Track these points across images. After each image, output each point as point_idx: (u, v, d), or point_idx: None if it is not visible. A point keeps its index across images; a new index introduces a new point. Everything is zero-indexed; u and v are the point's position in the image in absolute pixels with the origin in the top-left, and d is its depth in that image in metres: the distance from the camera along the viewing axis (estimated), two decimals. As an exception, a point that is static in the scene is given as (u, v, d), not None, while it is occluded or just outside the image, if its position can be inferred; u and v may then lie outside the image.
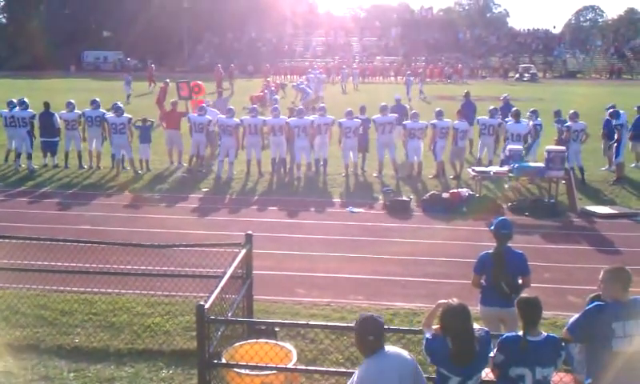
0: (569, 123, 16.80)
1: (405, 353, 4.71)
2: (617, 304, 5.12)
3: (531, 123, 17.03)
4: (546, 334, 4.99)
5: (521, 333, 4.96)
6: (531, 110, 18.01)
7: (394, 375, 4.44)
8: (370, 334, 4.50)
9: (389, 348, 4.64)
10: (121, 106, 18.22)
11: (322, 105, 19.67)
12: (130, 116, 17.93)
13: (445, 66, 68.09)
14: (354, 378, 4.58)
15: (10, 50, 76.42)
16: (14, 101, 18.72)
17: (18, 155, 18.08)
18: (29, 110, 18.24)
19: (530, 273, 6.65)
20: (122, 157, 17.69)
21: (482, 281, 6.70)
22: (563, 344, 5.06)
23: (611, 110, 18.27)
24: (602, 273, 5.31)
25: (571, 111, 17.23)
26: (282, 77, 57.36)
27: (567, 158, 16.03)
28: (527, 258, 6.70)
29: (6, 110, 18.48)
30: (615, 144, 17.12)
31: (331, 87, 48.57)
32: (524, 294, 5.26)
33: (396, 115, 17.84)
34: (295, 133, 17.08)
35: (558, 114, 18.04)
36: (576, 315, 5.27)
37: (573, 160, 16.53)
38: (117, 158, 17.56)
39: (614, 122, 17.62)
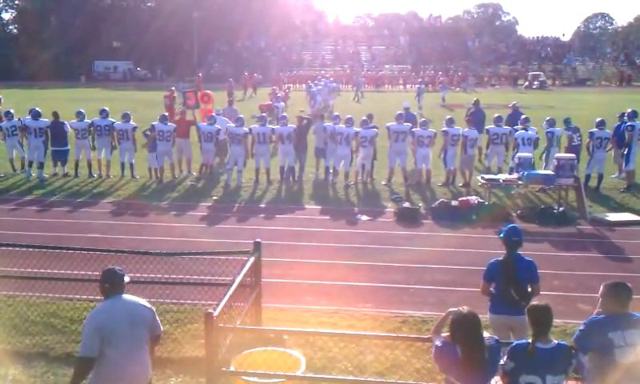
0: (593, 130, 16.76)
1: (143, 301, 5.48)
2: (613, 316, 5.09)
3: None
4: (556, 341, 4.96)
5: (530, 340, 4.93)
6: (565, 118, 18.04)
7: (124, 315, 5.21)
8: (106, 282, 5.32)
9: (128, 296, 5.40)
10: (166, 114, 18.56)
11: (335, 114, 19.66)
12: (174, 124, 18.20)
13: (454, 74, 68.20)
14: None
15: (21, 60, 76.93)
16: (11, 111, 18.95)
17: (30, 163, 18.19)
18: (43, 120, 18.39)
19: (540, 280, 6.62)
20: (132, 165, 18.01)
21: (492, 288, 6.67)
22: (573, 352, 5.03)
23: (629, 111, 18.01)
24: (601, 287, 5.29)
25: (598, 119, 17.17)
26: (287, 86, 57.61)
27: (587, 164, 16.12)
28: (537, 266, 6.67)
29: (4, 121, 18.77)
30: (625, 151, 17.01)
31: (343, 95, 48.54)
32: (535, 302, 5.22)
33: (410, 124, 17.84)
34: (338, 140, 17.09)
35: (567, 121, 17.96)
36: (580, 326, 5.26)
37: (594, 167, 16.53)
38: (155, 166, 17.92)
39: (627, 123, 17.30)
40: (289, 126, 17.62)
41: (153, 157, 17.90)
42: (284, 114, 18.73)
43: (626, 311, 5.11)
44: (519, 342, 5.12)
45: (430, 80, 60.13)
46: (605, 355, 5.01)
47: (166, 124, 17.81)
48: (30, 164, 18.21)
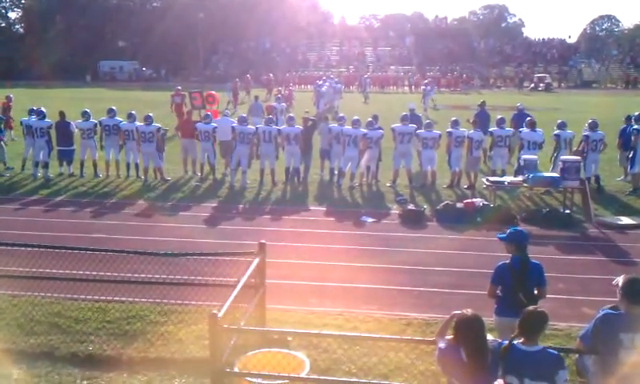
0: (587, 133, 16.71)
1: None
2: (628, 315, 5.08)
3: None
4: (542, 346, 4.89)
5: (516, 341, 4.88)
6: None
7: None
8: None
9: None
10: (150, 115, 18.23)
11: (340, 115, 19.65)
12: (158, 125, 18.09)
13: (459, 76, 68.17)
14: None
15: (27, 60, 77.15)
16: (35, 109, 18.98)
17: (36, 164, 18.24)
18: (47, 120, 18.41)
19: (546, 284, 6.59)
20: (137, 165, 18.01)
21: (498, 291, 6.65)
22: (574, 358, 4.97)
23: (636, 114, 17.90)
24: (622, 278, 5.27)
25: (590, 120, 17.11)
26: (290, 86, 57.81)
27: (584, 167, 15.99)
28: (544, 269, 6.65)
29: (26, 118, 18.77)
30: (631, 154, 16.93)
31: (346, 96, 48.50)
32: (531, 307, 5.14)
33: (415, 126, 17.82)
34: (346, 142, 17.04)
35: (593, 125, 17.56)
36: (588, 324, 5.24)
37: (590, 170, 16.45)
38: (143, 166, 17.89)
39: (634, 126, 17.19)
40: (295, 127, 17.60)
41: (159, 156, 17.92)
42: (291, 115, 18.71)
43: (639, 310, 5.08)
44: (503, 341, 5.05)
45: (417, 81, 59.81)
46: (609, 355, 5.00)
47: (150, 124, 17.69)
48: (36, 164, 18.24)
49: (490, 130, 17.69)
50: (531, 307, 5.09)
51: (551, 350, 4.92)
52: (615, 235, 13.08)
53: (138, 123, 17.98)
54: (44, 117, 18.41)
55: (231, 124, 18.40)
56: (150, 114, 18.26)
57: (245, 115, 18.61)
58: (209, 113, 19.42)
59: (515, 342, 4.86)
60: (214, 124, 18.21)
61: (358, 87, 51.77)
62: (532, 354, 4.79)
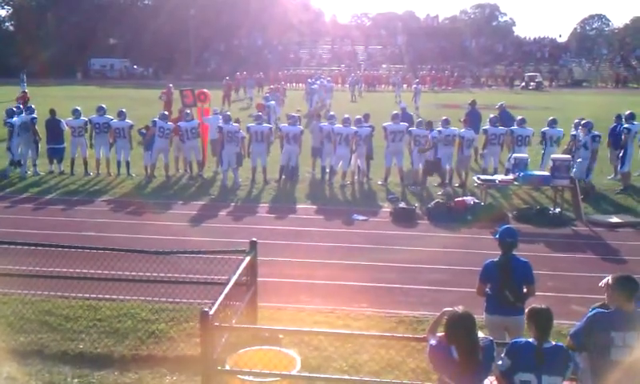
0: (575, 132, 16.78)
1: None
2: (619, 313, 5.11)
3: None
4: (554, 343, 4.97)
5: (530, 339, 4.93)
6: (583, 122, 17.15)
7: None
8: None
9: None
10: (166, 113, 18.30)
11: (331, 113, 19.63)
12: (173, 124, 18.18)
13: (450, 75, 68.23)
14: None
15: (18, 57, 76.49)
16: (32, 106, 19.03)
17: (19, 162, 18.23)
18: (21, 117, 18.40)
19: (535, 282, 6.62)
20: (128, 163, 18.01)
21: (487, 289, 6.68)
22: (570, 353, 5.02)
23: (627, 113, 17.98)
24: (609, 278, 5.30)
25: (583, 121, 17.16)
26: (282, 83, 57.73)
27: (575, 166, 16.08)
28: (532, 267, 6.68)
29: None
30: (621, 153, 17.02)
31: (337, 95, 48.49)
32: (536, 305, 5.15)
33: (406, 124, 17.85)
34: (337, 141, 17.02)
35: (587, 125, 17.47)
36: (579, 322, 5.27)
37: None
38: (149, 163, 17.92)
39: (624, 125, 17.28)
40: (297, 126, 17.58)
41: (148, 155, 17.87)
42: (293, 114, 18.62)
43: (631, 307, 5.13)
44: (518, 339, 5.13)
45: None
46: (601, 353, 5.03)
47: (167, 122, 17.81)
48: (19, 163, 18.20)
49: (484, 128, 17.73)
50: (535, 307, 5.09)
51: (560, 344, 5.01)
52: (605, 233, 13.15)
53: (129, 121, 18.02)
54: (13, 114, 18.37)
55: (218, 122, 18.28)
56: (166, 112, 18.55)
57: (229, 113, 18.58)
58: (188, 111, 19.34)
59: (532, 341, 4.93)
60: (198, 121, 18.28)
61: (348, 86, 51.73)
62: (547, 351, 4.86)
